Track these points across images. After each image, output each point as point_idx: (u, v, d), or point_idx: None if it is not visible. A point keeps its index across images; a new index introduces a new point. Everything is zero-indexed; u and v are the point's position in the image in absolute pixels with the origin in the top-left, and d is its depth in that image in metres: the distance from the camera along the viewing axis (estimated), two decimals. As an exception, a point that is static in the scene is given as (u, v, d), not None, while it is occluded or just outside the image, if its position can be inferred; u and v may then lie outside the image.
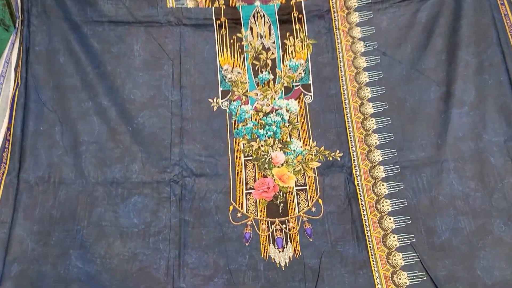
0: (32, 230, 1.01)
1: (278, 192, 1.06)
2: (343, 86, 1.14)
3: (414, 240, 1.02)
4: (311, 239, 1.03)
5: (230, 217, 1.03)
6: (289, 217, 1.05)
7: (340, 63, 1.16)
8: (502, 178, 1.02)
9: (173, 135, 1.09)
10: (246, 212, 1.03)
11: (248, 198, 1.05)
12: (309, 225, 1.04)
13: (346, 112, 1.13)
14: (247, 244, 1.01)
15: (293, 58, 1.16)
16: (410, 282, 0.98)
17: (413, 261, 1.00)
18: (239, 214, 1.03)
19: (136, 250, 1.01)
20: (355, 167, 1.09)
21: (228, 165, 1.08)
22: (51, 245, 1.00)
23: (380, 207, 1.05)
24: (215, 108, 1.14)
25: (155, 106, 1.11)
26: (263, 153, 1.08)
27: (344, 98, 1.13)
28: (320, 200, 1.07)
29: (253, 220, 1.03)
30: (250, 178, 1.07)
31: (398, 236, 1.02)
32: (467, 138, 1.06)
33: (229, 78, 1.15)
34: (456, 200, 1.03)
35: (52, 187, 1.04)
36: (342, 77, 1.16)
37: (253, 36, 1.17)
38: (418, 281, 0.98)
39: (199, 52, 1.15)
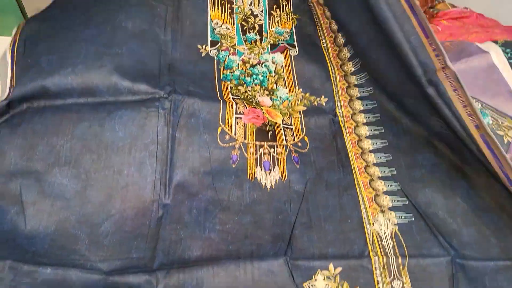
0: (15, 144, 0.96)
1: (267, 122, 1.07)
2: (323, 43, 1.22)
3: (395, 172, 1.03)
4: (297, 166, 1.03)
5: (218, 139, 1.02)
6: (277, 143, 1.05)
7: (320, 32, 1.24)
8: None
9: (162, 68, 1.09)
10: (235, 135, 1.03)
11: (237, 122, 1.05)
12: (296, 154, 1.05)
13: (330, 62, 1.19)
14: (233, 166, 1.00)
15: (279, 26, 1.24)
16: (392, 204, 0.98)
17: (395, 189, 1.01)
18: (227, 137, 1.03)
19: (122, 166, 0.96)
20: (339, 110, 1.13)
21: (217, 95, 1.09)
22: (34, 160, 0.95)
23: (362, 145, 1.08)
24: (203, 54, 1.17)
25: (146, 40, 1.11)
26: (250, 97, 1.12)
27: (325, 49, 1.21)
28: (306, 138, 1.09)
29: (241, 144, 1.03)
30: (240, 106, 1.08)
31: (379, 168, 1.05)
32: None
33: (218, 32, 1.21)
34: (433, 137, 1.05)
35: (37, 104, 1.01)
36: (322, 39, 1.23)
37: (243, 2, 1.26)
38: (400, 204, 0.99)
39: (192, 3, 1.21)
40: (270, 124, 1.08)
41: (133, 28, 1.13)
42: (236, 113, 1.09)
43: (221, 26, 1.22)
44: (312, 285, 0.85)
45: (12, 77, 1.03)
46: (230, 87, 1.13)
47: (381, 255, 0.91)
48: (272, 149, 1.03)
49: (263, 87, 1.15)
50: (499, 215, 0.98)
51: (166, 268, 0.85)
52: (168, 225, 0.90)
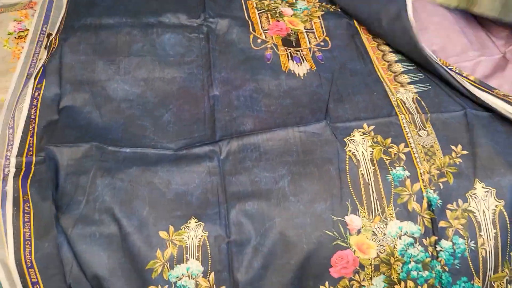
0: (79, 60, 1.12)
1: (290, 32, 1.23)
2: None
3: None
4: (322, 62, 1.18)
5: (252, 44, 1.18)
6: (302, 48, 1.20)
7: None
8: None
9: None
10: (265, 38, 1.19)
11: (266, 35, 1.21)
12: (319, 53, 1.21)
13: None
14: (268, 62, 1.15)
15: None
16: (410, 80, 1.15)
17: (411, 68, 1.18)
18: (259, 40, 1.19)
19: (174, 74, 1.13)
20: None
21: (244, 14, 1.26)
22: (98, 72, 1.12)
23: (376, 39, 1.24)
24: None
25: None
26: (274, 8, 1.28)
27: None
28: (327, 38, 1.24)
29: (272, 44, 1.19)
30: (264, 23, 1.24)
31: (395, 54, 1.20)
32: None
33: None
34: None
35: (93, 29, 1.18)
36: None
37: None
38: (417, 78, 1.15)
39: None
40: (293, 32, 1.24)
41: None
42: (262, 30, 1.24)
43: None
44: (351, 140, 1.00)
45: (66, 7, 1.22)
46: (255, 3, 1.29)
47: (406, 113, 1.05)
48: (298, 52, 1.18)
49: (284, 1, 1.31)
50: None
51: (226, 138, 1.00)
52: (221, 110, 1.05)
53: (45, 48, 1.17)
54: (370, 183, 0.92)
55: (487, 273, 0.91)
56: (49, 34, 1.20)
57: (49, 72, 1.08)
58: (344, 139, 0.99)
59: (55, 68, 1.11)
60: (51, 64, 1.10)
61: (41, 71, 1.09)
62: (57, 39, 1.15)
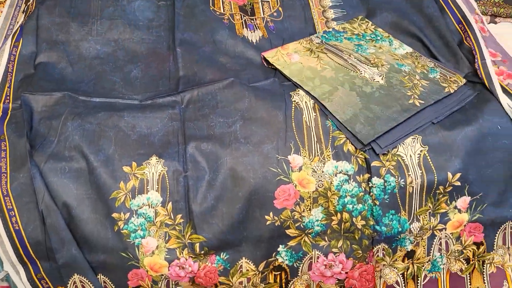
0: (54, 21, 1.22)
1: (246, 2, 1.33)
2: None
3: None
4: (274, 32, 1.29)
5: (212, 12, 1.29)
6: (256, 16, 1.31)
7: None
8: None
9: None
10: (223, 11, 1.30)
11: (224, 2, 1.32)
12: (272, 23, 1.31)
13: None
14: (226, 26, 1.26)
15: None
16: None
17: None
18: (217, 13, 1.29)
19: (143, 36, 1.24)
20: None
21: None
22: (72, 33, 1.21)
23: (326, 15, 1.35)
24: None
25: None
26: None
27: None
28: (280, 8, 1.35)
29: (229, 15, 1.30)
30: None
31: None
32: None
33: None
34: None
35: None
36: None
37: None
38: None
39: None
40: (249, 3, 1.35)
41: None
42: None
43: None
44: (296, 93, 1.11)
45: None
46: None
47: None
48: (252, 20, 1.29)
49: None
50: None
51: (188, 90, 1.10)
52: (184, 66, 1.16)
53: (23, 12, 1.25)
54: (311, 127, 1.02)
55: (413, 207, 1.01)
56: (27, 0, 1.28)
57: (26, 32, 1.17)
58: (290, 93, 1.09)
59: (32, 28, 1.19)
60: (28, 24, 1.19)
61: (18, 30, 1.17)
62: (34, 2, 1.23)
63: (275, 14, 1.30)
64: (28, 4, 1.24)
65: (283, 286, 1.02)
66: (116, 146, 0.98)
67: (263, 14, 1.29)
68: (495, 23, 1.30)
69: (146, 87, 1.11)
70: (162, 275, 0.95)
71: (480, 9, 1.28)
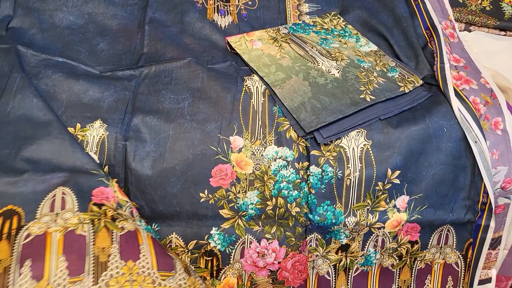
0: None
1: None
2: None
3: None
4: (245, 19, 1.30)
5: (185, -3, 1.30)
6: (230, 3, 1.32)
7: None
8: None
9: None
10: (197, -4, 1.31)
11: None
12: (245, 11, 1.32)
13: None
14: (198, 9, 1.27)
15: None
16: None
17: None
18: (190, -2, 1.30)
19: (116, 12, 1.25)
20: None
21: None
22: (48, 2, 1.24)
23: (300, 8, 1.35)
24: None
25: None
26: None
27: None
28: (256, -2, 1.35)
29: (203, 0, 1.30)
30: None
31: (309, 17, 1.32)
32: None
33: None
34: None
35: None
36: None
37: None
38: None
39: None
40: None
41: None
42: None
43: None
44: (250, 78, 1.11)
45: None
46: None
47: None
48: (226, 7, 1.30)
49: None
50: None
51: (147, 65, 1.11)
52: (149, 43, 1.17)
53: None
54: (258, 112, 1.03)
55: (350, 201, 1.01)
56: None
57: None
58: (244, 77, 1.09)
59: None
60: None
61: None
62: None
63: (249, 2, 1.31)
64: None
65: (214, 274, 1.00)
66: (65, 108, 1.00)
67: (238, 2, 1.29)
68: (469, 31, 1.28)
69: (109, 60, 1.13)
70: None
71: (455, 15, 1.26)
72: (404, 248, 1.04)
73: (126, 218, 0.87)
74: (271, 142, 1.00)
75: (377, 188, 1.00)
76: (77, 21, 1.20)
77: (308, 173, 0.99)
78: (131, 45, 1.17)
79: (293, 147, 1.00)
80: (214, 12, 1.25)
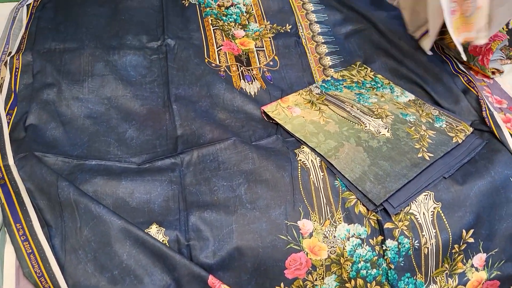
0: (45, 82, 1.11)
1: (241, 53, 1.23)
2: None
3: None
4: (271, 82, 1.19)
5: (207, 64, 1.18)
6: (252, 67, 1.21)
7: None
8: None
9: (157, 23, 1.27)
10: (219, 63, 1.19)
11: (219, 53, 1.21)
12: (269, 73, 1.21)
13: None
14: (223, 78, 1.15)
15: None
16: None
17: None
18: (213, 65, 1.18)
19: (137, 93, 1.11)
20: (301, 33, 1.30)
21: (201, 34, 1.26)
22: (63, 92, 1.09)
23: (322, 62, 1.25)
24: (186, 4, 1.34)
25: (143, 6, 1.33)
26: (227, 29, 1.28)
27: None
28: (276, 57, 1.25)
29: (225, 67, 1.19)
30: (218, 40, 1.24)
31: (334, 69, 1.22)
32: None
33: None
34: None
35: (58, 53, 1.16)
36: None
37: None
38: None
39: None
40: (244, 53, 1.25)
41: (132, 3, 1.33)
42: (217, 47, 1.24)
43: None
44: (301, 151, 1.01)
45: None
46: (211, 20, 1.31)
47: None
48: (249, 71, 1.18)
49: (237, 23, 1.31)
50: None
51: (187, 151, 0.98)
52: (181, 124, 1.04)
53: (5, 65, 1.12)
54: (320, 188, 0.92)
55: (429, 269, 0.91)
56: (10, 53, 1.16)
57: (20, 100, 1.07)
58: (295, 151, 0.98)
59: (27, 95, 1.09)
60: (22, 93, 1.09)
61: (12, 97, 1.07)
62: (20, 58, 1.11)
63: (271, 63, 1.20)
64: (11, 56, 1.10)
65: None
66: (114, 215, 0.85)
67: (259, 64, 1.18)
68: (497, 66, 1.20)
69: (142, 148, 1.00)
70: None
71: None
72: (483, 303, 0.95)
73: None
74: (341, 220, 0.90)
75: (453, 251, 0.91)
76: (97, 108, 1.06)
77: (384, 248, 0.89)
78: (162, 128, 1.03)
79: (365, 222, 0.90)
80: (240, 79, 1.14)
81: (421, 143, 0.99)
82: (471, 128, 1.04)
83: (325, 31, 1.30)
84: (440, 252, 0.91)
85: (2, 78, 1.11)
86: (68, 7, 1.27)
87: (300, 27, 1.30)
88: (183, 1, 1.33)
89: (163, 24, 1.25)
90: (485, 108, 1.04)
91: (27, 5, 1.29)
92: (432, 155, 0.97)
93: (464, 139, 1.02)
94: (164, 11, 1.29)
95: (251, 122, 1.06)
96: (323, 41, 1.27)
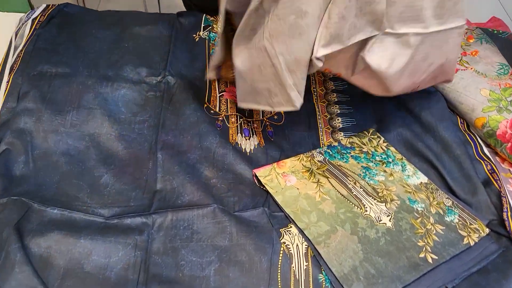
0: (26, 107, 0.99)
1: None
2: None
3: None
4: (272, 139, 1.06)
5: (205, 110, 1.05)
6: (254, 119, 1.08)
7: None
8: None
9: (162, 56, 1.16)
10: (219, 110, 1.07)
11: (221, 100, 1.08)
12: (271, 128, 1.08)
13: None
14: (219, 129, 1.03)
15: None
16: None
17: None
18: (212, 111, 1.06)
19: (123, 132, 1.00)
20: (314, 89, 1.17)
21: (205, 75, 1.13)
22: (42, 122, 0.99)
23: (332, 123, 1.11)
24: (197, 39, 1.22)
25: (151, 35, 1.22)
26: (232, 76, 1.15)
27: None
28: (282, 112, 1.11)
29: (224, 117, 1.06)
30: (222, 85, 1.11)
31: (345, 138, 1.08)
32: None
33: (211, 18, 1.26)
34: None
35: (48, 78, 1.06)
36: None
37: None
38: None
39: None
40: None
41: (139, 31, 1.23)
42: (219, 92, 1.11)
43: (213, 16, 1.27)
44: (287, 231, 0.88)
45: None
46: None
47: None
48: (249, 123, 1.05)
49: None
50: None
51: (161, 211, 0.86)
52: (162, 177, 0.92)
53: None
54: (300, 282, 0.78)
55: None
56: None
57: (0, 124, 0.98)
58: (281, 230, 0.85)
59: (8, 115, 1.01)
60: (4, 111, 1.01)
61: None
62: (10, 80, 1.01)
63: (275, 117, 1.07)
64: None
65: None
66: (63, 280, 0.76)
67: (262, 116, 1.05)
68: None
69: (115, 199, 0.89)
70: None
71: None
72: None
73: None
74: (319, 325, 0.75)
75: None
76: (76, 144, 0.95)
77: None
78: (141, 177, 0.92)
79: (346, 329, 0.75)
80: (237, 133, 1.01)
81: (426, 240, 0.85)
82: (487, 229, 0.89)
83: (340, 89, 1.15)
84: None
85: None
86: (73, 25, 1.17)
87: (313, 82, 1.16)
88: (194, 35, 1.20)
89: (167, 58, 1.14)
90: (506, 208, 0.89)
91: (32, 19, 1.18)
92: (436, 257, 0.83)
93: (477, 241, 0.87)
94: (172, 44, 1.17)
95: (239, 185, 0.94)
96: (336, 100, 1.13)
